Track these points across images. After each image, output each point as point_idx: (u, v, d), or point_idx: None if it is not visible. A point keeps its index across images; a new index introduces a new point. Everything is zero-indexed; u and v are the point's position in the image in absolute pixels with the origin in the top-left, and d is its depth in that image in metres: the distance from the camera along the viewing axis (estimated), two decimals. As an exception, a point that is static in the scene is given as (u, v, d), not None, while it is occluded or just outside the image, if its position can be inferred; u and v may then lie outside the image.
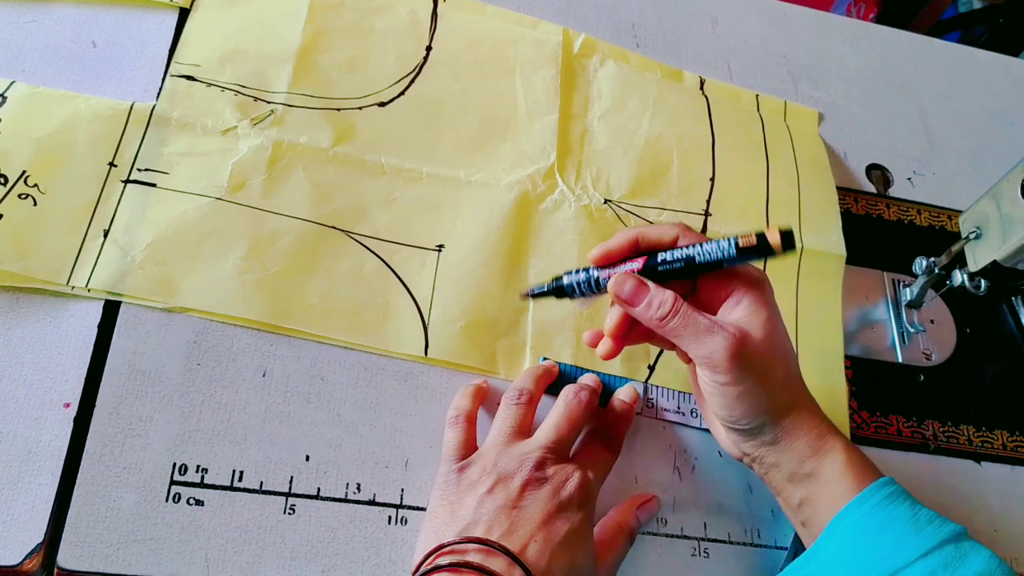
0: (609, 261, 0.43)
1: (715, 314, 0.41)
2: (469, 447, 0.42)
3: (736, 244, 0.40)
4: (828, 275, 0.57)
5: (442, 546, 0.37)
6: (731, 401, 0.41)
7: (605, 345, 0.44)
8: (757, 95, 0.65)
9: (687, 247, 0.41)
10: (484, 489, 0.39)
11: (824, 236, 0.58)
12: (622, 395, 0.47)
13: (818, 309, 0.56)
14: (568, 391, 0.44)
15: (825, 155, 0.64)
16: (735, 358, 0.39)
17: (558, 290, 0.44)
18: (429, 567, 0.36)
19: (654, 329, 0.41)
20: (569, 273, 0.43)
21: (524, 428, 0.43)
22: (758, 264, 0.49)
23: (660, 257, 0.41)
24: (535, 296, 0.45)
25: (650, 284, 0.41)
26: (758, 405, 0.41)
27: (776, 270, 0.56)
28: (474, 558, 0.36)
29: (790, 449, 0.42)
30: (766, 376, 0.40)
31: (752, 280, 0.41)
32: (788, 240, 0.39)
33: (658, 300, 0.40)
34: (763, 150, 0.62)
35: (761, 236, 0.39)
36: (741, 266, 0.41)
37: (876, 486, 0.40)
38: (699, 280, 0.43)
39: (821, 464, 0.41)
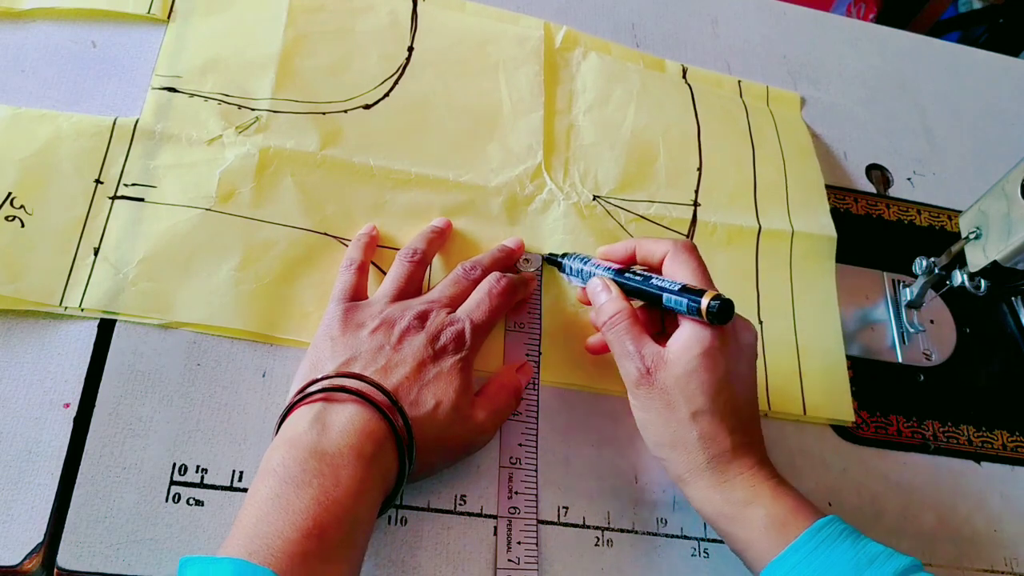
0: (607, 259, 0.48)
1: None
2: (359, 293, 0.45)
3: (684, 300, 0.41)
4: (820, 257, 0.58)
5: (318, 379, 0.39)
6: (638, 423, 0.43)
7: (596, 338, 0.48)
8: (739, 81, 0.65)
9: (648, 277, 0.44)
10: (368, 330, 0.42)
11: (813, 219, 0.59)
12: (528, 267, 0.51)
13: (812, 292, 0.56)
14: (492, 275, 0.47)
15: (809, 139, 0.64)
16: (638, 386, 0.42)
17: (560, 265, 0.50)
18: (302, 395, 0.38)
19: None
20: (571, 258, 0.49)
21: (413, 284, 0.46)
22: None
23: (625, 276, 0.45)
24: (547, 260, 0.51)
25: (612, 291, 0.45)
26: (657, 435, 0.42)
27: (769, 256, 0.56)
28: (348, 384, 0.39)
29: (700, 493, 0.41)
30: (670, 409, 0.41)
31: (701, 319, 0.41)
32: (718, 314, 0.40)
33: (605, 308, 0.44)
34: (748, 137, 0.62)
35: (695, 307, 0.40)
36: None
37: (806, 536, 0.38)
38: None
39: (738, 520, 0.40)
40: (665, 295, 0.42)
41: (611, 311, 0.43)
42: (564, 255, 0.50)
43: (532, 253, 0.51)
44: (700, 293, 0.40)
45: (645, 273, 0.44)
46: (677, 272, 0.43)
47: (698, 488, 0.41)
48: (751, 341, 0.43)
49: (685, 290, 0.41)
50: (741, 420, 0.42)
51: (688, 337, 0.41)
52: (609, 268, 0.46)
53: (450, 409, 0.41)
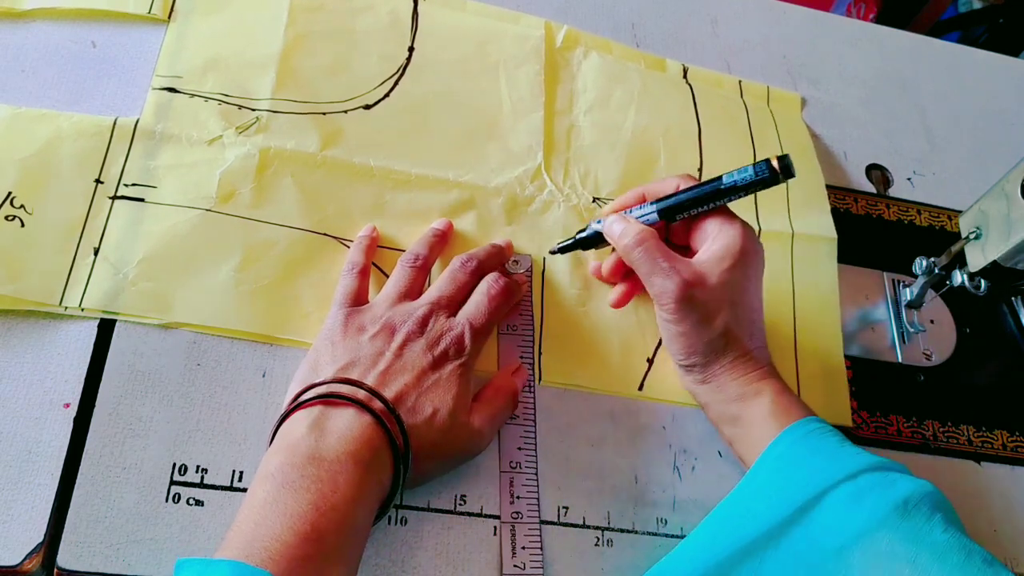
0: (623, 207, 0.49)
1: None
2: (361, 297, 0.45)
3: (750, 168, 0.44)
4: (821, 258, 0.58)
5: (317, 384, 0.39)
6: (672, 336, 0.46)
7: (616, 292, 0.50)
8: (740, 81, 0.65)
9: (697, 185, 0.46)
10: (368, 335, 0.42)
11: (813, 220, 0.59)
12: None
13: (814, 294, 0.56)
14: (489, 276, 0.47)
15: (809, 139, 0.64)
16: (680, 300, 0.43)
17: (583, 241, 0.49)
18: (299, 401, 0.39)
19: (625, 261, 0.46)
20: (589, 225, 0.49)
21: (415, 289, 0.46)
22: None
23: (665, 201, 0.47)
24: (563, 251, 0.50)
25: (630, 220, 0.47)
26: (692, 346, 0.45)
27: (771, 255, 0.56)
28: (345, 391, 0.39)
29: (718, 391, 0.46)
30: (707, 320, 0.44)
31: (731, 231, 0.45)
32: (789, 166, 0.44)
33: (629, 231, 0.45)
34: (749, 137, 0.62)
35: (764, 167, 0.44)
36: (730, 218, 0.46)
37: (803, 422, 0.43)
38: (691, 225, 0.47)
39: (747, 408, 0.45)
40: (724, 177, 0.45)
41: (635, 231, 0.45)
42: (581, 230, 0.50)
43: (521, 254, 0.51)
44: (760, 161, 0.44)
45: (685, 192, 0.47)
46: None
47: (714, 388, 0.46)
48: (761, 249, 0.47)
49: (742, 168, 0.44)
50: (755, 326, 0.46)
51: (719, 249, 0.44)
52: (643, 207, 0.48)
53: (447, 416, 0.41)
